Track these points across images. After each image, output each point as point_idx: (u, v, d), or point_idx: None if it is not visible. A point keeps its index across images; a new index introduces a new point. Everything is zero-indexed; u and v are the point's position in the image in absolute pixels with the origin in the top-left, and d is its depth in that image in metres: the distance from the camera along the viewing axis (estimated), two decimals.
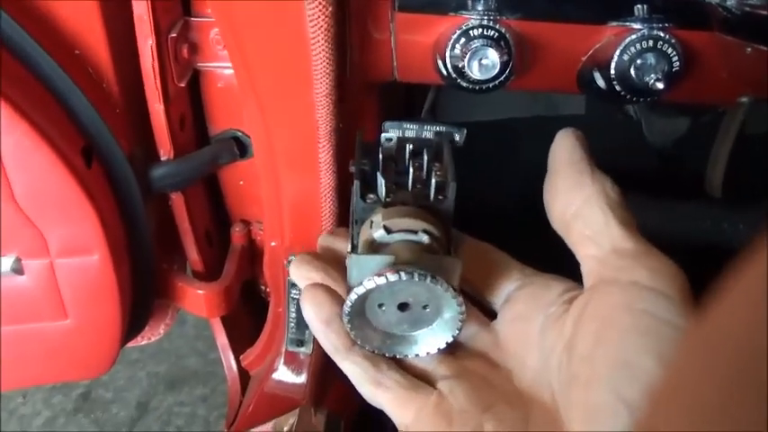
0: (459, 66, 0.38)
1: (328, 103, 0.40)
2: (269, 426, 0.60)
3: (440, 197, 0.35)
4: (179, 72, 0.48)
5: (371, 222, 0.35)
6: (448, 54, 0.39)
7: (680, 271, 0.31)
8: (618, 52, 0.38)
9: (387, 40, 0.41)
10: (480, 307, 0.38)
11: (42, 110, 0.42)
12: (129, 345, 0.57)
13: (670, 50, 0.38)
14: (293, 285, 0.54)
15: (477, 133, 0.41)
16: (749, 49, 0.38)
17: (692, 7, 0.38)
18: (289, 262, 0.53)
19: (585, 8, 0.39)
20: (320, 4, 0.35)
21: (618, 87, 0.39)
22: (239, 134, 0.54)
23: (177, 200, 0.53)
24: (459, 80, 0.39)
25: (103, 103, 0.46)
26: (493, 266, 0.38)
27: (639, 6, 0.38)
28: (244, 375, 0.66)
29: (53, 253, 0.46)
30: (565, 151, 0.35)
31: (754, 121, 0.63)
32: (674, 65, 0.38)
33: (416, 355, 0.36)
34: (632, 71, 0.38)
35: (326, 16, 0.36)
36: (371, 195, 0.35)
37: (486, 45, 0.38)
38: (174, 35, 0.47)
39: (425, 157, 0.37)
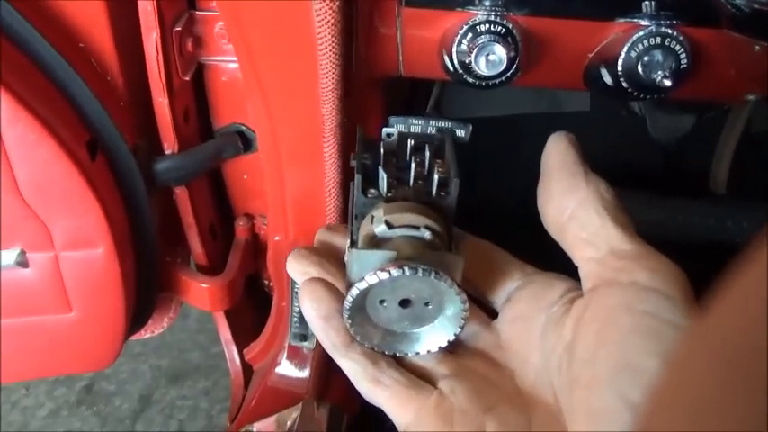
0: (466, 61, 0.38)
1: (334, 98, 0.40)
2: (272, 420, 0.61)
3: (441, 193, 0.35)
4: (183, 65, 0.48)
5: (372, 217, 0.34)
6: (454, 49, 0.38)
7: (680, 271, 0.31)
8: (625, 49, 0.38)
9: (393, 35, 0.41)
10: (481, 306, 0.38)
11: (47, 102, 0.42)
12: (133, 338, 0.57)
13: (678, 47, 0.38)
14: None
15: (481, 129, 0.41)
16: (757, 47, 0.38)
17: (701, 4, 0.38)
18: None
19: (593, 4, 0.39)
20: None
21: (625, 84, 0.38)
22: (243, 128, 0.54)
23: (181, 193, 0.53)
24: (465, 76, 0.39)
25: (108, 97, 0.46)
26: (494, 265, 0.37)
27: (647, 3, 0.38)
28: (247, 369, 0.66)
29: (57, 246, 0.46)
30: (557, 154, 0.35)
31: (760, 119, 0.62)
32: (682, 62, 0.38)
33: (417, 353, 0.35)
34: (639, 68, 0.38)
35: (333, 11, 0.36)
36: (372, 190, 0.35)
37: (493, 41, 0.37)
38: (179, 28, 0.47)
39: (427, 153, 0.36)
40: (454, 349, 0.36)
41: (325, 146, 0.43)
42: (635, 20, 0.38)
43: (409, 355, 0.36)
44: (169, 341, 1.10)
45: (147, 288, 0.53)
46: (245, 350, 0.65)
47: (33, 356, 0.52)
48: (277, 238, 0.54)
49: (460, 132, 0.37)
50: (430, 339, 0.35)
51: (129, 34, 0.45)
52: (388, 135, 0.37)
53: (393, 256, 0.33)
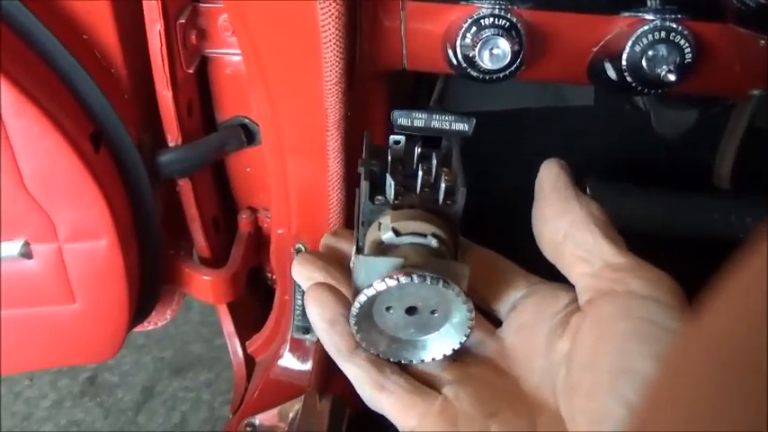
0: (470, 55, 0.38)
1: (338, 91, 0.40)
2: (274, 412, 0.61)
3: (448, 202, 0.35)
4: (187, 58, 0.48)
5: (380, 224, 0.34)
6: (458, 43, 0.38)
7: (673, 280, 0.32)
8: (630, 43, 0.38)
9: (397, 28, 0.41)
10: (484, 315, 0.38)
11: (51, 95, 0.42)
12: (136, 330, 0.58)
13: (682, 42, 0.38)
14: None
15: (485, 123, 0.41)
16: (762, 42, 0.38)
17: None
18: (296, 250, 0.53)
19: None
20: None
21: (629, 78, 0.38)
22: (247, 121, 0.54)
23: (185, 186, 0.53)
24: (469, 69, 0.39)
25: (112, 89, 0.46)
26: (499, 274, 0.38)
27: None
28: (249, 362, 0.66)
29: (61, 237, 0.46)
30: (549, 179, 0.36)
31: (764, 114, 0.62)
32: (687, 56, 0.38)
33: (422, 361, 0.35)
34: (644, 62, 0.38)
35: (338, 3, 0.36)
36: (379, 197, 0.35)
37: (497, 34, 0.37)
38: (183, 21, 0.46)
39: (434, 161, 0.36)
40: (458, 357, 0.36)
41: (329, 139, 0.43)
42: (640, 14, 0.38)
43: (414, 362, 0.36)
44: (172, 333, 1.11)
45: (150, 280, 0.53)
46: (247, 342, 0.65)
47: (37, 347, 0.52)
48: (280, 231, 0.54)
49: (464, 127, 0.37)
50: (435, 347, 0.35)
51: (133, 26, 0.45)
52: (396, 142, 0.37)
53: (400, 263, 0.33)
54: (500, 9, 0.38)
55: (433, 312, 0.34)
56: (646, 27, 0.37)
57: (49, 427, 1.01)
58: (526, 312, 0.36)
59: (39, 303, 0.49)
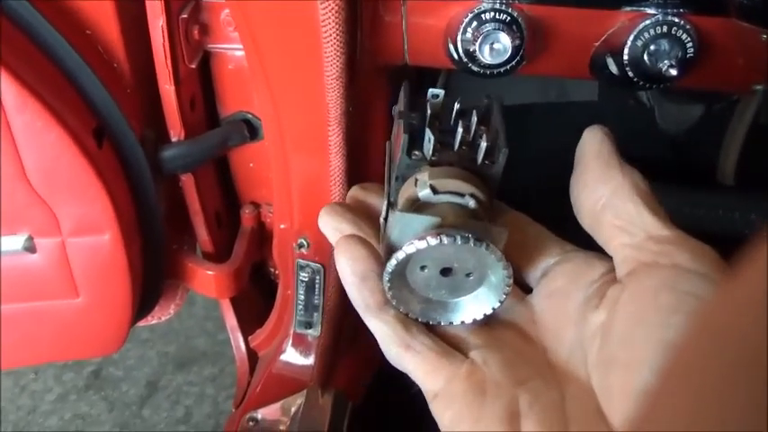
0: (471, 50, 0.38)
1: (339, 86, 0.40)
2: (277, 406, 0.61)
3: (487, 162, 0.34)
4: (190, 53, 0.48)
5: (416, 180, 0.33)
6: (459, 38, 0.38)
7: (719, 256, 0.31)
8: (631, 38, 0.38)
9: (398, 23, 0.41)
10: (514, 280, 0.37)
11: (54, 90, 0.43)
12: (140, 324, 0.58)
13: (684, 36, 0.37)
14: (302, 268, 0.54)
15: None
16: (765, 36, 0.38)
17: None
18: (298, 245, 0.53)
19: None
20: None
21: (631, 73, 0.38)
22: (249, 116, 0.54)
23: (188, 181, 0.53)
24: (470, 64, 0.39)
25: (115, 84, 0.46)
26: (531, 239, 0.37)
27: None
28: (252, 356, 0.66)
29: (65, 232, 0.46)
30: (593, 145, 0.34)
31: None
32: (689, 51, 0.38)
33: (451, 323, 0.35)
34: (645, 57, 0.37)
35: None
36: (416, 152, 0.34)
37: (498, 29, 0.37)
38: (185, 16, 0.47)
39: (474, 118, 0.35)
40: (487, 321, 0.35)
41: (330, 134, 0.43)
42: (641, 8, 0.38)
43: (443, 324, 0.35)
44: (176, 328, 1.11)
45: (153, 275, 0.53)
46: (250, 337, 0.65)
47: (42, 341, 0.53)
48: (282, 226, 0.54)
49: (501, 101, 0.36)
50: (467, 310, 0.34)
51: (136, 22, 0.45)
52: (434, 96, 0.36)
53: (437, 222, 0.32)
54: (501, 3, 0.38)
55: (467, 275, 0.33)
56: (647, 21, 0.37)
57: (53, 421, 1.01)
58: (558, 280, 0.35)
59: (43, 297, 0.49)
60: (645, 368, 0.28)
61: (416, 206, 0.33)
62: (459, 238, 0.31)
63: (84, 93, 0.44)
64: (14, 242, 0.45)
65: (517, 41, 0.37)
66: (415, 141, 0.34)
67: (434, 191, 0.33)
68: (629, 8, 0.38)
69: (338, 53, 0.38)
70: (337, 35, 0.37)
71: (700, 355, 0.17)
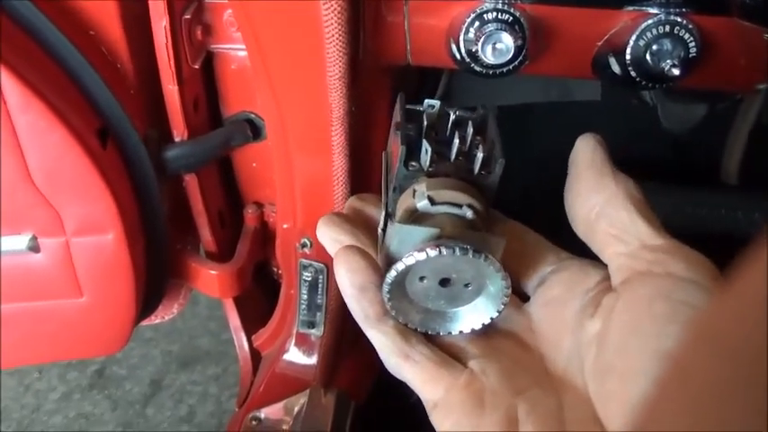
0: (473, 50, 0.38)
1: (341, 86, 0.40)
2: (280, 406, 0.61)
3: (483, 172, 0.34)
4: (193, 53, 0.49)
5: (414, 191, 0.34)
6: (461, 38, 0.38)
7: (713, 264, 0.31)
8: (634, 37, 0.38)
9: (400, 23, 0.41)
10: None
11: (58, 90, 0.43)
12: (144, 323, 0.58)
13: (687, 36, 0.37)
14: (305, 268, 0.54)
15: None
16: (767, 36, 0.38)
17: None
18: (302, 245, 0.53)
19: None
20: None
21: (633, 73, 0.38)
22: (252, 116, 0.54)
23: (191, 181, 0.53)
24: (472, 64, 0.39)
25: (118, 84, 0.46)
26: (528, 248, 0.37)
27: None
28: (255, 356, 0.66)
29: (69, 232, 0.46)
30: (586, 154, 0.35)
31: None
32: (691, 51, 0.38)
33: (449, 333, 0.35)
34: (648, 57, 0.37)
35: None
36: (413, 163, 0.34)
37: (500, 29, 0.37)
38: (188, 16, 0.47)
39: (469, 129, 0.35)
40: (485, 330, 0.36)
41: (333, 134, 0.43)
42: (644, 8, 0.38)
43: (442, 334, 0.35)
44: (180, 327, 1.11)
45: (157, 274, 0.54)
46: (253, 337, 0.65)
47: (45, 340, 0.53)
48: (285, 226, 0.54)
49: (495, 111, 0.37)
50: (466, 320, 0.35)
51: (139, 22, 0.45)
52: (431, 106, 0.36)
53: (436, 233, 0.32)
54: (503, 3, 0.38)
55: (466, 285, 0.34)
56: (650, 21, 0.37)
57: (57, 420, 1.02)
58: (555, 288, 0.35)
59: (46, 297, 0.49)
60: (641, 377, 0.29)
61: (415, 217, 0.34)
62: (458, 249, 0.31)
63: (87, 93, 0.45)
64: (19, 242, 0.46)
65: (519, 41, 0.38)
66: (412, 152, 0.34)
67: (432, 202, 0.33)
68: (631, 8, 0.38)
69: (341, 53, 0.38)
70: (340, 35, 0.37)
71: (698, 362, 0.16)
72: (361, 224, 0.38)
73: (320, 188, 0.47)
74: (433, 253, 0.31)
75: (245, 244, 0.60)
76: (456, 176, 0.34)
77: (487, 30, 0.37)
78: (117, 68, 0.46)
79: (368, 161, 0.47)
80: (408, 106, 0.36)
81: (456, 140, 0.34)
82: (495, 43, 0.37)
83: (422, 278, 0.33)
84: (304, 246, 0.53)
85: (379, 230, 0.35)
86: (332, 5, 0.36)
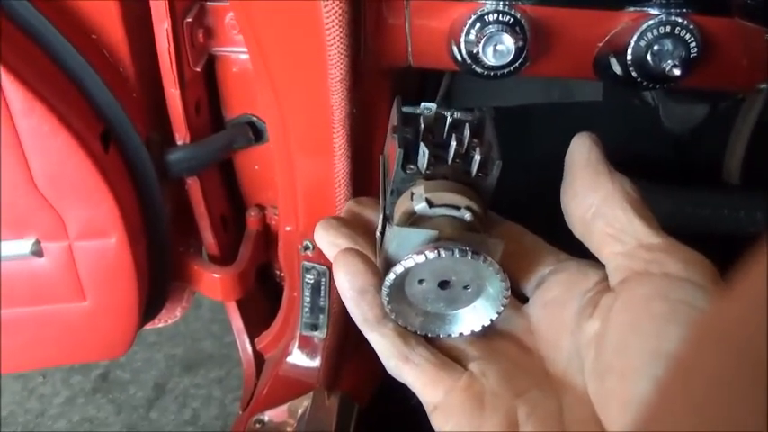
0: (474, 51, 0.38)
1: (343, 89, 0.40)
2: (283, 408, 0.61)
3: (480, 174, 0.34)
4: (194, 56, 0.49)
5: (412, 194, 0.34)
6: (462, 39, 0.38)
7: (710, 263, 0.31)
8: (635, 38, 0.38)
9: (401, 25, 0.41)
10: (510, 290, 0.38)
11: (60, 94, 0.43)
12: (147, 327, 0.58)
13: (688, 36, 0.37)
14: (307, 270, 0.54)
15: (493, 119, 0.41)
16: None
17: None
18: (304, 247, 0.53)
19: None
20: None
21: (634, 74, 0.38)
22: (254, 119, 0.54)
23: (193, 184, 0.53)
24: (473, 66, 0.39)
25: (120, 88, 0.46)
26: (526, 249, 0.37)
27: None
28: (258, 358, 0.66)
29: (71, 235, 0.46)
30: (581, 154, 0.35)
31: None
32: (692, 51, 0.38)
33: (450, 336, 0.35)
34: (649, 57, 0.37)
35: (341, 1, 0.36)
36: (411, 166, 0.34)
37: (501, 30, 0.37)
38: (190, 20, 0.47)
39: (466, 132, 0.35)
40: (485, 332, 0.36)
41: (335, 136, 0.43)
42: (645, 8, 0.38)
43: (442, 336, 0.35)
44: (183, 330, 1.11)
45: (159, 278, 0.54)
46: (256, 339, 0.65)
47: (49, 345, 0.53)
48: (288, 229, 0.54)
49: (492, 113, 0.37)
50: (467, 322, 0.35)
51: (141, 25, 0.45)
52: (427, 109, 0.36)
53: (434, 235, 0.32)
54: (504, 5, 0.38)
55: (465, 287, 0.34)
56: (651, 21, 0.37)
57: (62, 424, 1.02)
58: (554, 289, 0.35)
59: (50, 301, 0.50)
60: (640, 377, 0.29)
61: (413, 220, 0.34)
62: (457, 251, 0.31)
63: (90, 97, 0.45)
64: (22, 246, 0.46)
65: (520, 43, 0.38)
66: (410, 155, 0.34)
67: (430, 204, 0.33)
68: (632, 8, 0.38)
69: (342, 55, 0.38)
70: (341, 37, 0.37)
71: (701, 362, 0.16)
72: (359, 228, 0.38)
73: (322, 190, 0.47)
74: (431, 255, 0.31)
75: (247, 247, 0.60)
76: (453, 179, 0.34)
77: (488, 31, 0.37)
78: (119, 72, 0.47)
79: (369, 163, 0.47)
80: (405, 109, 0.36)
81: (453, 143, 0.34)
82: (495, 45, 0.37)
83: (421, 281, 0.34)
84: (306, 248, 0.53)
85: (378, 234, 0.36)
86: (333, 7, 0.36)
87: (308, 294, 0.56)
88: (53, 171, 0.43)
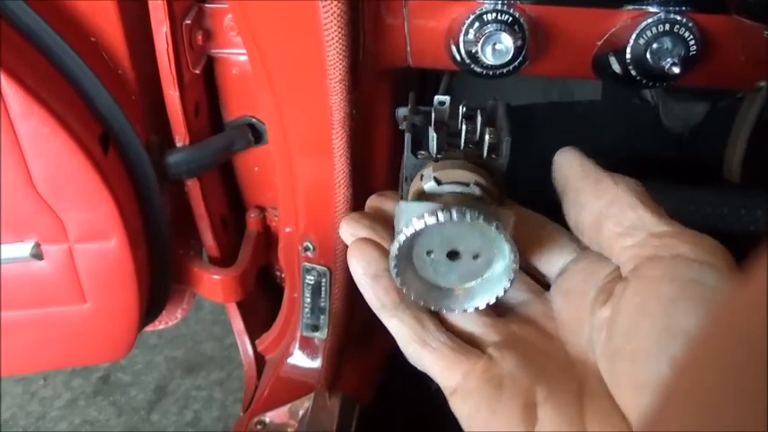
0: (473, 51, 0.38)
1: (342, 89, 0.40)
2: (284, 409, 0.61)
3: (492, 156, 0.34)
4: (193, 58, 0.49)
5: (422, 175, 0.34)
6: (461, 39, 0.38)
7: (721, 244, 0.31)
8: (634, 36, 0.38)
9: (400, 25, 0.41)
10: (532, 278, 0.37)
11: (60, 97, 0.43)
12: (147, 329, 0.58)
13: (687, 34, 0.37)
14: (307, 271, 0.54)
15: None
16: (767, 33, 0.38)
17: None
18: (304, 248, 0.53)
19: None
20: None
21: (633, 72, 0.38)
22: (254, 121, 0.54)
23: (193, 186, 0.53)
24: (472, 65, 0.39)
25: (120, 90, 0.46)
26: (549, 238, 0.37)
27: None
28: (259, 360, 0.66)
29: (71, 238, 0.46)
30: (574, 168, 0.35)
31: None
32: (691, 49, 0.38)
33: (465, 310, 0.35)
34: (648, 55, 0.37)
35: (339, 2, 0.36)
36: (422, 152, 0.35)
37: (500, 30, 0.37)
38: (189, 21, 0.47)
39: (479, 120, 0.36)
40: (504, 315, 0.36)
41: (334, 137, 0.43)
42: (643, 7, 0.38)
43: (456, 311, 0.35)
44: (184, 333, 1.11)
45: (160, 280, 0.54)
46: (257, 341, 0.65)
47: (50, 347, 0.53)
48: (288, 230, 0.54)
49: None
50: (478, 295, 0.34)
51: (140, 28, 0.45)
52: (441, 103, 0.36)
53: (439, 206, 0.32)
54: (502, 4, 0.38)
55: (475, 258, 0.33)
56: (650, 20, 0.37)
57: (63, 426, 1.02)
58: (574, 277, 0.35)
59: (50, 304, 0.50)
60: (651, 357, 0.29)
61: (423, 198, 0.34)
62: (455, 212, 0.31)
63: (89, 99, 0.45)
64: (22, 249, 0.46)
65: (519, 42, 0.38)
66: (420, 142, 0.35)
67: (438, 182, 0.33)
68: (631, 7, 0.38)
69: (340, 56, 0.38)
70: (339, 38, 0.37)
71: (716, 351, 0.16)
72: (380, 219, 0.38)
73: (322, 191, 0.47)
74: (431, 220, 0.31)
75: (247, 248, 0.60)
76: (466, 161, 0.34)
77: (487, 30, 0.37)
78: (118, 74, 0.47)
79: (369, 163, 0.47)
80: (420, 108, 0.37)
81: (464, 127, 0.35)
82: (494, 44, 0.37)
83: (429, 252, 0.33)
84: (306, 249, 0.53)
85: (395, 211, 0.36)
86: (331, 8, 0.36)
87: (308, 295, 0.56)
88: (52, 174, 0.43)
